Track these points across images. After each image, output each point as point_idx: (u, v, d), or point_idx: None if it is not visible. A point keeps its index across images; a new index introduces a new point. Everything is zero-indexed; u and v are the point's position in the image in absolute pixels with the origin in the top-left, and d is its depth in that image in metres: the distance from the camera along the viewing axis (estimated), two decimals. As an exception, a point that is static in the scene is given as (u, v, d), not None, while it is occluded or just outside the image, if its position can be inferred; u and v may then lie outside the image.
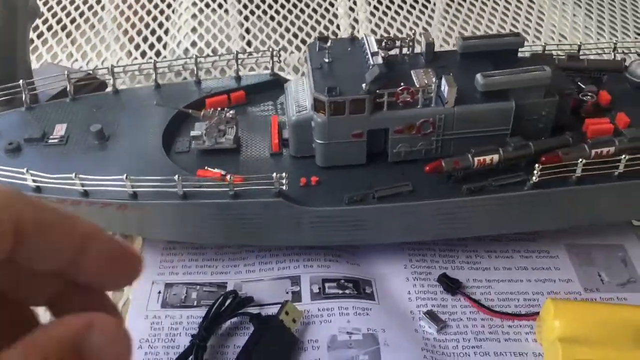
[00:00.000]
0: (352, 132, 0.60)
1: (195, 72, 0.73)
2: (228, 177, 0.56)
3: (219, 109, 0.65)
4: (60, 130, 0.66)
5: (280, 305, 0.58)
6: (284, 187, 0.57)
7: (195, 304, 0.62)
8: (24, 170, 0.57)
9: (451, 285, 0.63)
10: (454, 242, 0.68)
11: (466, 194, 0.59)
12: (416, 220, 0.60)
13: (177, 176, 0.56)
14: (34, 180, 0.57)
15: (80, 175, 0.56)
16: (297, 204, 0.58)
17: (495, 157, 0.59)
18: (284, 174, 0.56)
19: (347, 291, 0.62)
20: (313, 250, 0.66)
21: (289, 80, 0.69)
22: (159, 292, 0.63)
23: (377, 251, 0.67)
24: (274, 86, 0.73)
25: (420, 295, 0.63)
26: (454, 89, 0.58)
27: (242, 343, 0.58)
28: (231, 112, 0.65)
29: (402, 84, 0.59)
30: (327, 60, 0.62)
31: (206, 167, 0.62)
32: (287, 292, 0.62)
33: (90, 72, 0.80)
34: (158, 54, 1.02)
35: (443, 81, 0.59)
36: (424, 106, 0.59)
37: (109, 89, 0.78)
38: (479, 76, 0.59)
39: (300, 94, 0.63)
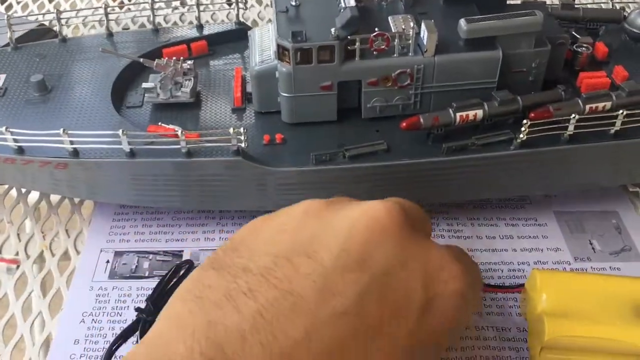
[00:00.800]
0: (321, 84, 0.53)
1: (151, 19, 0.66)
2: (179, 132, 0.50)
3: (174, 58, 0.58)
4: (-2, 81, 0.59)
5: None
6: (243, 145, 0.50)
7: (146, 274, 0.56)
8: None
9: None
10: (434, 209, 0.62)
11: (446, 154, 0.53)
12: (391, 183, 0.54)
13: (121, 131, 0.49)
14: (-38, 136, 0.51)
15: (13, 130, 0.50)
16: (258, 163, 0.52)
17: (480, 112, 0.53)
18: (242, 129, 0.50)
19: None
20: (280, 215, 0.60)
21: (252, 28, 0.62)
22: (107, 262, 0.57)
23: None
24: (239, 36, 0.67)
25: (396, 265, 0.57)
26: (434, 36, 0.52)
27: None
28: (189, 62, 0.59)
29: (376, 29, 0.52)
30: (293, 3, 0.55)
31: (160, 123, 0.56)
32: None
33: (44, 23, 0.73)
34: None
35: (422, 27, 0.53)
36: (401, 55, 0.53)
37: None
38: (462, 21, 0.53)
39: (265, 42, 0.57)
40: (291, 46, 0.51)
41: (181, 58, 0.58)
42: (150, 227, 0.60)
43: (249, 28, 0.68)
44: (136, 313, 0.50)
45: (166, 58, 0.58)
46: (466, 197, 0.59)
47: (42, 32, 0.73)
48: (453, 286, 0.36)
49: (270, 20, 0.80)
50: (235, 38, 0.67)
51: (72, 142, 0.50)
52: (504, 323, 0.53)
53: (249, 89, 0.59)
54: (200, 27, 0.67)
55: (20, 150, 0.51)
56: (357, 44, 0.52)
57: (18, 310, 0.53)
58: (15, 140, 0.50)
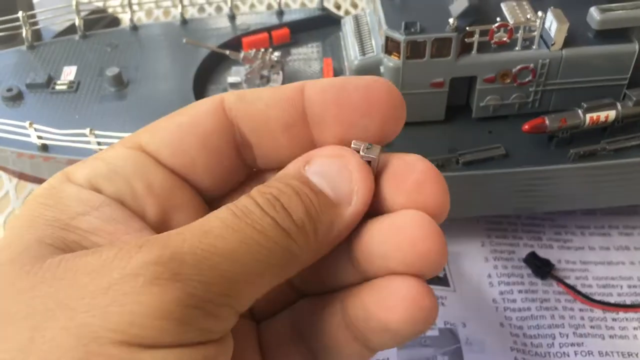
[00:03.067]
0: (432, 81, 0.48)
1: (229, 3, 0.60)
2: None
3: (261, 49, 0.53)
4: (69, 74, 0.54)
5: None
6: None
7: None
8: (27, 124, 0.46)
9: (541, 267, 0.52)
10: (539, 215, 0.57)
11: (574, 160, 0.47)
12: (509, 191, 0.49)
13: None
14: (38, 137, 0.46)
15: (97, 132, 0.45)
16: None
17: (612, 113, 0.47)
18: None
19: (416, 274, 0.52)
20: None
21: (345, 17, 0.56)
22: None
23: (447, 225, 0.56)
24: (323, 23, 0.61)
25: (504, 279, 0.52)
26: (565, 27, 0.46)
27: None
28: (276, 53, 0.53)
29: (497, 19, 0.46)
30: (399, -11, 0.49)
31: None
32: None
33: (101, 5, 0.67)
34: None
35: (549, 16, 0.47)
36: (524, 48, 0.47)
37: (123, 25, 0.66)
38: (593, 10, 0.47)
39: (364, 32, 0.51)
40: (403, 39, 0.45)
41: (269, 49, 0.53)
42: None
43: (333, 14, 0.62)
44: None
45: (253, 50, 0.52)
46: (588, 205, 0.53)
47: (98, 18, 0.68)
48: None
49: (363, 10, 0.74)
50: (318, 25, 0.61)
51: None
52: (629, 347, 0.48)
53: (342, 83, 0.53)
54: (280, 12, 0.61)
55: (102, 153, 0.47)
56: (475, 35, 0.46)
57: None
58: (99, 143, 0.46)
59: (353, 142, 0.23)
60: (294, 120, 0.23)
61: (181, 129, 0.23)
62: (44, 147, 0.47)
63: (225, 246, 0.19)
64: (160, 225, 0.22)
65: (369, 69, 0.49)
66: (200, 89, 0.54)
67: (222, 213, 0.20)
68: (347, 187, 0.22)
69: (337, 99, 0.23)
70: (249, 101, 0.23)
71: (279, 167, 0.24)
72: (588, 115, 0.47)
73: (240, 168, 0.25)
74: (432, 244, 0.22)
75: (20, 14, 0.55)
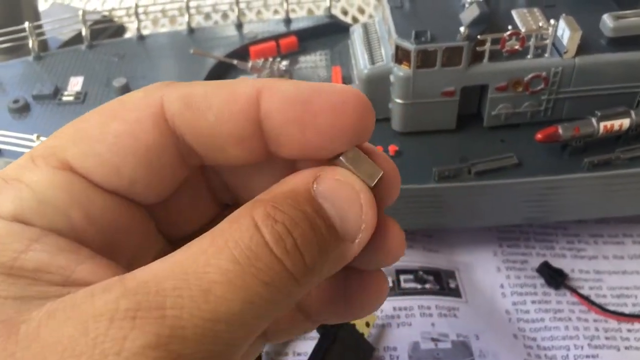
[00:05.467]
0: (443, 90, 0.47)
1: (236, 11, 0.59)
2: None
3: (269, 58, 0.52)
4: (75, 84, 0.54)
5: (350, 305, 0.47)
6: (360, 161, 0.44)
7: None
8: (34, 136, 0.45)
9: (554, 277, 0.51)
10: (551, 224, 0.56)
11: (588, 169, 0.46)
12: (520, 200, 0.48)
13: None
14: (44, 149, 0.46)
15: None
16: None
17: (626, 122, 0.46)
18: (361, 144, 0.44)
19: (427, 285, 0.51)
20: (381, 232, 0.55)
21: (353, 24, 0.55)
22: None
23: (458, 234, 0.55)
24: (331, 31, 0.60)
25: (516, 289, 0.52)
26: (578, 34, 0.45)
27: (303, 350, 0.47)
28: (284, 62, 0.53)
29: (509, 27, 0.46)
30: (409, -3, 0.48)
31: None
32: (355, 286, 0.51)
33: (106, 13, 0.67)
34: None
35: (561, 23, 0.46)
36: (536, 56, 0.46)
37: (129, 34, 0.65)
38: (607, 18, 0.46)
39: (373, 41, 0.50)
40: (414, 48, 0.45)
41: (277, 58, 0.52)
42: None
43: (341, 22, 0.61)
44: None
45: (261, 59, 0.52)
46: (600, 214, 0.53)
47: (104, 27, 0.68)
48: None
49: (371, 16, 0.74)
50: (326, 32, 0.60)
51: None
52: (645, 359, 0.47)
53: (351, 92, 0.53)
54: (287, 20, 0.60)
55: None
56: (487, 44, 0.45)
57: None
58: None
59: (342, 157, 0.20)
60: (248, 134, 0.20)
61: (117, 145, 0.20)
62: (52, 160, 0.46)
63: (229, 310, 0.17)
64: (107, 255, 0.19)
65: (379, 78, 0.48)
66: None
67: (222, 259, 0.17)
68: (356, 222, 0.20)
69: (301, 118, 0.20)
70: (196, 110, 0.20)
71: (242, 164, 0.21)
72: (602, 124, 0.46)
73: (190, 174, 0.22)
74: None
75: (26, 24, 0.55)
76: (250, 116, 0.20)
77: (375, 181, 0.21)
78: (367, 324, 0.46)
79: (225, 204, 0.24)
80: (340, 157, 0.20)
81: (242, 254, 0.17)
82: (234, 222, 0.18)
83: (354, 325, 0.45)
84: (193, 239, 0.18)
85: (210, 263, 0.17)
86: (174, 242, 0.23)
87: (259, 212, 0.18)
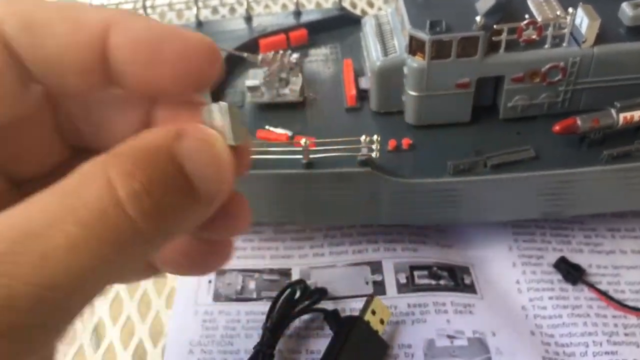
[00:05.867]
0: (458, 81, 0.46)
1: (245, 4, 0.58)
2: (303, 140, 0.43)
3: (279, 51, 0.51)
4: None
5: (364, 302, 0.46)
6: (374, 154, 0.43)
7: (254, 296, 0.50)
8: None
9: (572, 272, 0.50)
10: (568, 218, 0.55)
11: (607, 162, 0.45)
12: (536, 194, 0.47)
13: (235, 140, 0.43)
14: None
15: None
16: (388, 174, 0.45)
17: (647, 113, 0.45)
18: (375, 137, 0.43)
19: (442, 281, 0.50)
20: (393, 228, 0.54)
21: (365, 16, 0.54)
22: (210, 282, 0.51)
23: (472, 229, 0.54)
24: (341, 23, 0.59)
25: (533, 285, 0.50)
26: (597, 23, 0.44)
27: (316, 347, 0.46)
28: (295, 55, 0.52)
29: (526, 16, 0.45)
30: (422, -14, 0.47)
31: (267, 127, 0.49)
32: (367, 283, 0.50)
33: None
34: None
35: (579, 12, 0.45)
36: (553, 46, 0.45)
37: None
38: (626, 6, 0.45)
39: (386, 32, 0.49)
40: (428, 38, 0.44)
41: (287, 51, 0.51)
42: (251, 241, 0.54)
43: (352, 14, 0.60)
44: (254, 346, 0.44)
45: (271, 52, 0.51)
46: (618, 208, 0.51)
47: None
48: None
49: (380, 9, 0.73)
50: (337, 25, 0.59)
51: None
52: (667, 357, 0.46)
53: (363, 85, 0.52)
54: (297, 13, 0.59)
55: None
56: (503, 34, 0.44)
57: (117, 337, 0.48)
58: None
59: (207, 111, 0.20)
60: (91, 66, 0.19)
61: None
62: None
63: (68, 276, 0.16)
64: None
65: (392, 70, 0.47)
66: (218, 92, 0.53)
67: (69, 222, 0.16)
68: (215, 184, 0.19)
69: (149, 59, 0.19)
70: (37, 35, 0.19)
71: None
72: (622, 115, 0.45)
73: (35, 106, 0.21)
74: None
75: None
76: (96, 48, 0.19)
77: (239, 142, 0.20)
78: (382, 321, 0.45)
79: (77, 148, 0.23)
80: (206, 110, 0.20)
81: (92, 216, 0.16)
82: (86, 179, 0.17)
83: (368, 322, 0.44)
84: (40, 183, 0.17)
85: (55, 225, 0.16)
86: (18, 184, 0.22)
87: (115, 169, 0.17)
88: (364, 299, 0.46)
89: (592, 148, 0.46)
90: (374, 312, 0.45)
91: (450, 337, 0.46)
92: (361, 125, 0.50)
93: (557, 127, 0.45)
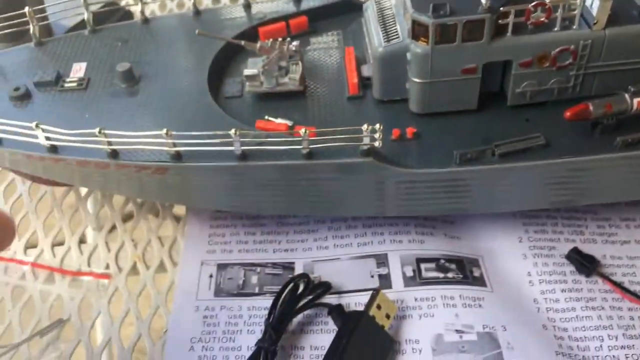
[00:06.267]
0: (463, 67, 0.44)
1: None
2: (302, 130, 0.41)
3: (278, 39, 0.50)
4: (78, 70, 0.52)
5: (369, 296, 0.44)
6: (377, 144, 0.42)
7: (256, 290, 0.49)
8: (33, 124, 0.43)
9: (585, 264, 0.48)
10: (580, 207, 0.53)
11: (621, 148, 0.43)
12: (547, 183, 0.45)
13: (234, 130, 0.41)
14: (47, 138, 0.44)
15: (107, 131, 0.42)
16: (392, 164, 0.44)
17: (662, 97, 0.43)
18: (377, 126, 0.41)
19: (449, 274, 0.49)
20: (400, 220, 0.52)
21: (367, 1, 0.53)
22: (211, 276, 0.50)
23: (481, 219, 0.53)
24: (343, 10, 0.58)
25: (545, 277, 0.49)
26: (608, 4, 0.42)
27: (319, 343, 0.45)
28: (294, 43, 0.50)
29: (533, -3, 0.43)
30: (426, -32, 0.45)
31: (266, 117, 0.48)
32: (373, 276, 0.49)
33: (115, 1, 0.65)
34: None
35: (591, -8, 0.43)
36: (563, 28, 0.43)
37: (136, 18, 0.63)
38: (639, -15, 0.43)
39: (388, 17, 0.48)
40: (432, 22, 0.42)
41: (287, 39, 0.50)
42: (253, 234, 0.53)
43: (354, 0, 0.58)
44: (256, 342, 0.43)
45: (270, 40, 0.49)
46: (632, 196, 0.49)
47: (110, 12, 0.66)
48: None
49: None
50: (338, 12, 0.58)
51: (174, 144, 0.42)
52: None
53: (365, 72, 0.50)
54: (297, 0, 0.58)
55: (114, 154, 0.44)
56: (510, 16, 0.42)
57: (115, 334, 0.47)
58: (109, 143, 0.43)
59: None
60: None
61: None
62: (53, 149, 0.44)
63: None
64: None
65: (395, 56, 0.45)
66: (216, 82, 0.51)
67: None
68: None
69: None
70: None
71: None
72: (636, 100, 0.43)
73: None
74: None
75: (26, 9, 0.52)
76: None
77: None
78: (387, 316, 0.44)
79: None
80: None
81: None
82: None
83: (373, 317, 0.43)
84: None
85: None
86: None
87: None
88: (369, 293, 0.45)
89: (605, 134, 0.44)
90: (379, 307, 0.44)
91: (459, 331, 0.45)
92: (364, 114, 0.48)
93: (568, 113, 0.43)
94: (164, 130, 0.41)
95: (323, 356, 0.43)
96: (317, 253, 0.51)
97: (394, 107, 0.48)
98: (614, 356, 0.44)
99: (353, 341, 0.42)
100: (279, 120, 0.47)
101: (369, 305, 0.44)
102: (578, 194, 0.48)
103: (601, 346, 0.45)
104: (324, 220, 0.53)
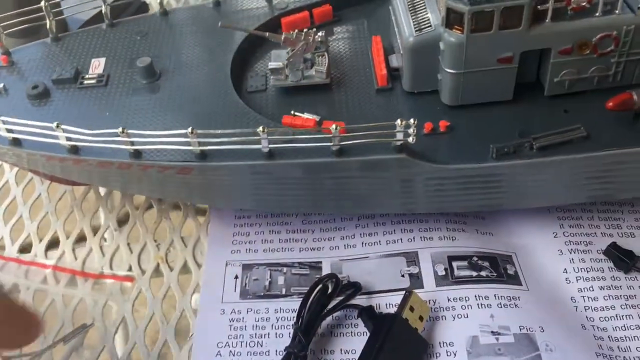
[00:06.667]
0: (500, 56, 0.42)
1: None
2: (332, 126, 0.39)
3: (303, 30, 0.48)
4: (97, 66, 0.50)
5: (400, 296, 0.43)
6: (410, 139, 0.40)
7: (283, 292, 0.47)
8: (54, 125, 0.42)
9: (624, 259, 0.46)
10: (617, 200, 0.51)
11: (667, 140, 0.41)
12: (587, 177, 0.43)
13: (261, 128, 0.40)
14: (67, 139, 0.42)
15: (130, 131, 0.41)
16: (426, 160, 0.42)
17: None
18: (412, 121, 0.39)
19: (483, 273, 0.47)
20: (430, 216, 0.50)
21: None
22: (236, 277, 0.48)
23: (513, 214, 0.51)
24: (367, -2, 0.55)
25: (582, 274, 0.47)
26: (654, -13, 0.40)
27: (350, 346, 0.43)
28: (320, 34, 0.48)
29: (575, -19, 0.40)
30: (458, -47, 0.43)
31: (293, 112, 0.46)
32: (403, 275, 0.47)
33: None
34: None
35: (635, -25, 0.41)
36: (605, 13, 0.41)
37: (153, 10, 0.62)
38: (686, -34, 0.40)
39: (418, 5, 0.46)
40: (468, 9, 0.40)
41: (313, 29, 0.48)
42: (278, 233, 0.51)
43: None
44: (285, 348, 0.41)
45: (295, 31, 0.47)
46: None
47: (126, 4, 0.64)
48: None
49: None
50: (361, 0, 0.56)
51: (199, 143, 0.41)
52: None
53: (394, 63, 0.48)
54: (320, -12, 0.55)
55: (137, 154, 0.43)
56: (550, 2, 0.40)
57: (140, 339, 0.46)
58: (132, 143, 0.41)
59: None
60: None
61: None
62: (74, 149, 0.43)
63: None
64: None
65: (427, 46, 0.43)
66: (239, 76, 0.49)
67: None
68: None
69: None
70: None
71: None
72: (682, 88, 0.41)
73: None
74: None
75: (42, 3, 0.51)
76: None
77: None
78: (421, 318, 0.42)
79: None
80: None
81: None
82: None
83: (406, 320, 0.41)
84: None
85: None
86: None
87: None
88: (400, 293, 0.43)
89: (648, 125, 0.42)
90: (412, 309, 0.42)
91: (494, 333, 0.43)
92: (393, 107, 0.46)
93: (610, 104, 0.41)
94: (190, 129, 0.39)
95: (355, 360, 0.41)
96: (344, 252, 0.50)
97: (425, 100, 0.46)
98: (657, 357, 0.42)
99: (386, 345, 0.40)
100: (307, 115, 0.45)
101: (401, 307, 0.42)
102: (618, 188, 0.46)
103: (644, 347, 0.43)
104: (351, 217, 0.52)
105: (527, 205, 0.48)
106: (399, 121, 0.39)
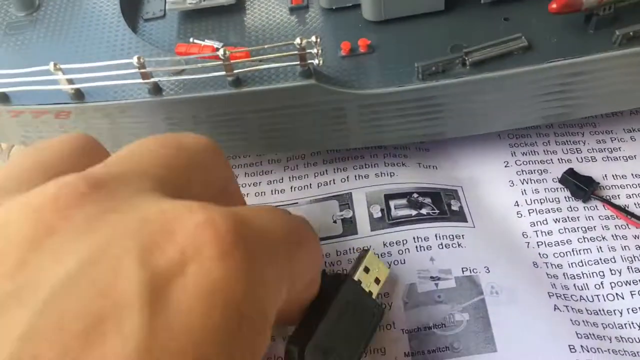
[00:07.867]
0: (423, -44, 0.35)
1: None
2: (221, 51, 0.33)
3: (201, -58, 0.41)
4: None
5: (334, 247, 0.38)
6: (316, 62, 0.34)
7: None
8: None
9: (582, 187, 0.41)
10: (576, 121, 0.45)
11: (621, 44, 0.35)
12: (534, 95, 0.37)
13: (136, 58, 0.33)
14: None
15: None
16: (338, 86, 0.36)
17: (671, -24, 0.34)
18: (313, 38, 0.33)
19: (424, 210, 0.41)
20: (366, 151, 0.45)
21: None
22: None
23: (461, 144, 0.45)
24: None
25: (535, 206, 0.42)
26: None
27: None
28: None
29: None
30: None
31: (192, 39, 0.39)
32: (335, 221, 0.42)
33: None
34: None
35: None
36: None
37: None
38: None
39: None
40: None
41: (210, -60, 0.41)
42: (196, 179, 0.45)
43: None
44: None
45: (190, -57, 0.40)
46: (638, 102, 0.41)
47: None
48: (204, 256, 0.19)
49: None
50: None
51: (69, 81, 0.35)
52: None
53: (310, -24, 0.41)
54: None
55: (5, 98, 0.36)
56: None
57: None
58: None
59: None
60: None
61: None
62: None
63: None
64: None
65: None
66: (133, 3, 0.43)
67: None
68: None
69: None
70: None
71: None
72: (639, -19, 0.34)
73: None
74: None
75: None
76: None
77: None
78: (377, 281, 0.36)
79: None
80: None
81: None
82: None
83: (359, 282, 0.35)
84: None
85: None
86: None
87: None
88: (332, 241, 0.38)
89: (602, 29, 0.36)
90: (367, 269, 0.36)
91: (434, 278, 0.38)
92: (309, 27, 0.40)
93: (553, 5, 0.35)
94: (51, 65, 0.33)
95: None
96: (271, 198, 0.44)
97: (345, 17, 0.40)
98: (617, 294, 0.37)
99: (331, 311, 0.34)
100: (206, 43, 0.39)
101: (354, 267, 0.36)
102: (573, 105, 0.40)
103: (602, 283, 0.38)
104: (279, 158, 0.46)
105: (472, 132, 0.42)
106: (298, 40, 0.33)
